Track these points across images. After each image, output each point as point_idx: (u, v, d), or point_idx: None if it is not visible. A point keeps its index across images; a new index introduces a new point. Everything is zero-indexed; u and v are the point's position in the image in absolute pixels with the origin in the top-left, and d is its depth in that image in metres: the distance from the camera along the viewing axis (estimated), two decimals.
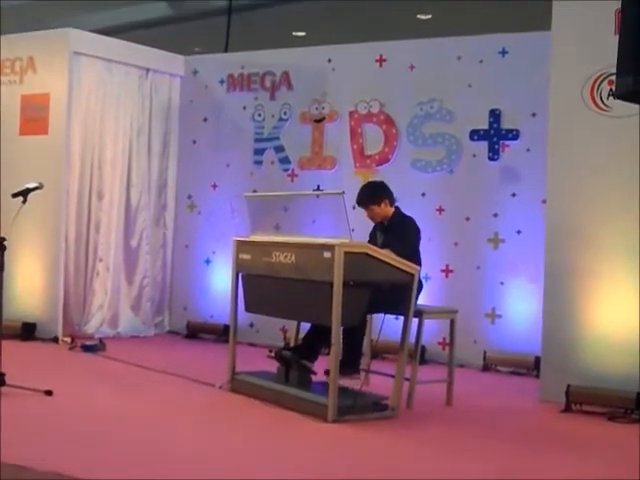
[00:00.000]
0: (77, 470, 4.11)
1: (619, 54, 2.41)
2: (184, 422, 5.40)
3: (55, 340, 8.37)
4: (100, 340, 8.23)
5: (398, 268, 5.61)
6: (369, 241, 6.22)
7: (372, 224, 6.47)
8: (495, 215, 8.06)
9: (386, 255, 5.57)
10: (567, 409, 6.09)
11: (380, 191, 6.40)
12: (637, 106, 5.85)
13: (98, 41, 9.13)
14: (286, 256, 5.82)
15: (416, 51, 8.53)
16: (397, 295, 5.73)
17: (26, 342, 8.29)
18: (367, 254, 5.49)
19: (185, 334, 9.44)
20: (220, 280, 9.00)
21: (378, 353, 7.69)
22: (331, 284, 5.38)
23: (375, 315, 6.40)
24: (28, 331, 8.45)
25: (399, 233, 6.15)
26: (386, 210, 6.31)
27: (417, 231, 6.25)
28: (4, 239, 5.83)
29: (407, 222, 6.29)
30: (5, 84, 8.91)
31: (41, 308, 8.59)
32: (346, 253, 5.38)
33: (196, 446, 4.79)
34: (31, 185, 6.06)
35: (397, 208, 6.41)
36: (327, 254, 5.43)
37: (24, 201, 6.02)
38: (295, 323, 6.77)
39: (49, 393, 5.79)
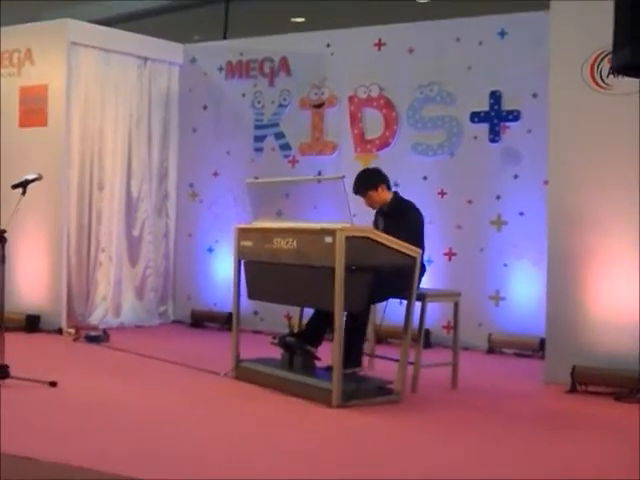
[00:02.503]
0: (82, 460, 4.10)
1: (615, 27, 2.37)
2: (189, 411, 5.39)
3: (59, 331, 8.37)
4: (104, 331, 8.22)
5: (400, 251, 5.58)
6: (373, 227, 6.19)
7: (373, 211, 6.44)
8: (497, 197, 8.03)
9: (388, 239, 5.54)
10: (573, 390, 6.07)
11: (375, 176, 6.38)
12: (638, 84, 5.83)
13: (95, 31, 9.10)
14: (287, 242, 5.80)
15: (415, 34, 8.48)
16: (400, 279, 5.71)
17: (30, 334, 8.28)
18: (369, 238, 5.47)
19: (189, 323, 9.43)
20: (223, 268, 8.98)
21: (383, 338, 7.69)
22: (333, 269, 5.36)
23: None
24: (32, 323, 8.45)
25: (400, 219, 6.11)
26: (384, 195, 6.28)
27: (419, 216, 6.22)
28: (4, 231, 5.82)
29: (407, 207, 6.26)
30: (4, 76, 8.87)
31: (45, 300, 8.59)
32: (347, 237, 5.36)
33: (201, 434, 4.79)
34: (30, 176, 6.05)
35: (396, 193, 6.39)
36: (328, 239, 5.41)
37: (23, 192, 6.02)
38: (299, 309, 6.77)
39: (53, 384, 5.78)
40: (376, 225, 6.28)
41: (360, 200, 6.42)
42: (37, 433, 4.67)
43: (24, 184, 6.01)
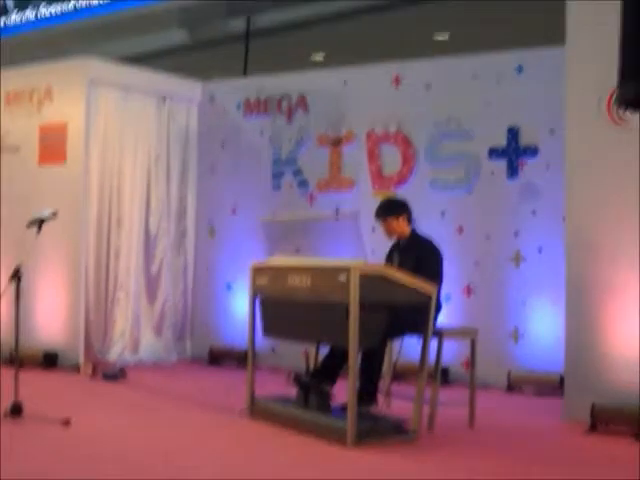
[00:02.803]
0: None
1: (620, 61, 2.34)
2: (203, 450, 5.34)
3: (77, 368, 8.35)
4: (121, 369, 8.19)
5: (415, 289, 5.54)
6: (386, 262, 6.15)
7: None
8: (516, 233, 7.97)
9: (403, 277, 5.50)
10: (593, 429, 5.97)
11: (400, 205, 6.38)
12: None
13: (115, 69, 9.19)
14: (302, 279, 5.77)
15: (432, 70, 8.49)
16: (415, 316, 5.65)
17: (48, 371, 8.27)
18: (383, 276, 5.43)
19: (207, 360, 9.39)
20: (242, 305, 8.92)
21: (400, 375, 7.60)
22: (347, 306, 5.32)
23: None
24: (50, 360, 8.45)
25: (418, 255, 6.07)
26: (403, 226, 6.25)
27: (438, 253, 6.18)
28: (20, 268, 5.83)
29: (426, 244, 6.22)
30: (24, 116, 8.95)
31: (63, 336, 8.60)
32: (362, 275, 5.32)
33: (216, 474, 4.73)
34: (45, 214, 6.05)
35: (414, 230, 6.35)
36: (342, 277, 5.38)
37: (39, 230, 6.02)
38: (315, 346, 6.72)
39: (67, 422, 5.75)
40: (390, 259, 6.23)
41: (379, 235, 6.40)
42: (48, 472, 4.62)
43: (39, 222, 6.02)
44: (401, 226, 6.26)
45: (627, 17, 2.36)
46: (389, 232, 6.31)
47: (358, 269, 5.32)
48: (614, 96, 2.27)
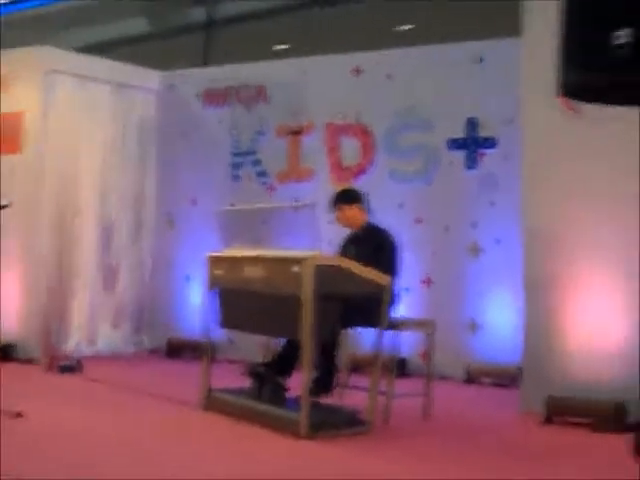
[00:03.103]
0: None
1: (560, 49, 2.32)
2: (156, 442, 5.28)
3: (32, 361, 8.24)
4: (78, 360, 8.09)
5: (370, 280, 5.50)
6: (340, 252, 6.12)
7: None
8: (474, 224, 7.97)
9: (357, 267, 5.46)
10: (548, 420, 5.97)
11: (354, 194, 6.39)
12: (611, 108, 5.78)
13: (72, 58, 9.09)
14: (257, 271, 5.72)
15: (392, 61, 8.47)
16: (370, 308, 5.62)
17: (4, 363, 8.14)
18: (337, 266, 5.39)
19: (166, 352, 9.32)
20: (200, 297, 8.88)
21: (359, 367, 7.58)
22: (301, 298, 5.27)
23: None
24: (7, 352, 8.32)
25: (374, 246, 6.04)
26: (356, 215, 6.24)
27: (393, 243, 6.15)
28: None
29: (381, 235, 6.19)
30: None
31: (19, 328, 8.48)
32: (316, 267, 5.27)
33: (167, 466, 4.68)
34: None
35: (370, 221, 6.32)
36: (296, 268, 5.33)
37: None
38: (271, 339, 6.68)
39: (19, 415, 5.66)
40: (345, 250, 6.20)
41: (338, 227, 6.37)
42: None
43: None
44: (355, 215, 6.24)
45: (567, 5, 2.33)
46: (343, 221, 6.29)
47: (312, 260, 5.27)
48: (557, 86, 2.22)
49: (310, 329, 5.27)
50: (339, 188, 6.53)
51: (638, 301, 5.84)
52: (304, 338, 5.30)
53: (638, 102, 2.32)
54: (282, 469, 4.74)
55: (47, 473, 4.46)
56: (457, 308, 8.02)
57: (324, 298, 5.33)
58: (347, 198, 6.29)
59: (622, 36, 2.03)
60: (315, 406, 5.51)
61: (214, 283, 6.31)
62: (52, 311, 8.75)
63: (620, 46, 2.01)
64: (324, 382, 5.93)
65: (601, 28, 2.10)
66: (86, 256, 8.99)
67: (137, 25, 13.17)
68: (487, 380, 7.76)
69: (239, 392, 6.19)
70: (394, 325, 5.91)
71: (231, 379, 6.51)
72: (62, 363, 7.97)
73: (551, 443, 5.50)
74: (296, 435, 5.32)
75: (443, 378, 7.76)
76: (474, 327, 7.96)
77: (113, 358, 8.96)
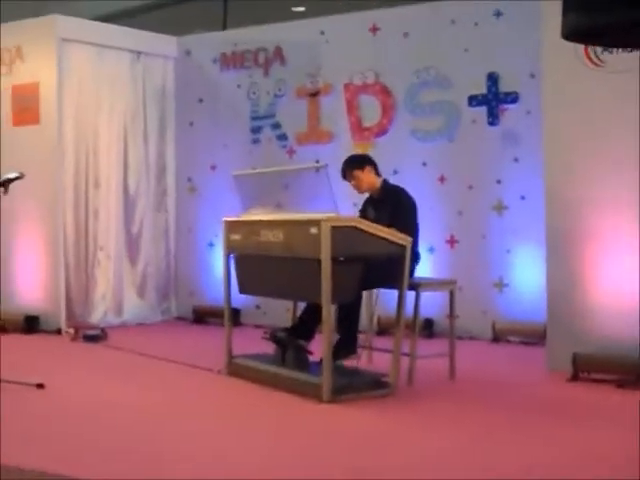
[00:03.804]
0: (64, 467, 3.95)
1: None
2: (180, 409, 5.26)
3: (59, 332, 8.26)
4: (102, 329, 8.11)
5: (389, 240, 5.41)
6: (360, 216, 6.02)
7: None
8: (498, 182, 7.85)
9: (375, 227, 5.38)
10: (574, 378, 5.89)
11: (362, 158, 6.31)
12: (633, 60, 5.63)
13: (86, 26, 8.98)
14: (274, 234, 5.65)
15: (409, 18, 8.30)
16: (390, 268, 5.54)
17: (29, 335, 8.18)
18: (355, 227, 5.31)
19: (192, 319, 9.31)
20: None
21: (384, 329, 7.54)
22: (320, 260, 5.20)
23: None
24: (31, 324, 8.35)
25: (392, 207, 5.95)
26: (371, 178, 6.12)
27: (411, 202, 6.04)
28: None
29: (399, 194, 6.08)
30: None
31: (43, 300, 8.48)
32: (333, 228, 5.20)
33: (191, 433, 4.64)
34: (11, 175, 5.90)
35: (385, 180, 6.22)
36: (314, 230, 5.25)
37: (5, 192, 5.88)
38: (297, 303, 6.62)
39: (41, 386, 5.66)
40: (365, 215, 6.10)
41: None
42: (18, 438, 4.53)
43: (5, 183, 5.87)
44: (368, 177, 6.13)
45: None
46: (359, 186, 6.18)
47: (329, 221, 5.19)
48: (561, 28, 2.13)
49: (330, 292, 5.20)
50: (348, 156, 6.41)
51: None
52: (324, 301, 5.24)
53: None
54: (305, 433, 4.71)
55: (66, 444, 4.45)
56: (482, 267, 7.91)
57: (343, 260, 5.26)
58: (355, 163, 6.17)
59: None
60: (338, 369, 5.46)
61: (232, 248, 6.25)
62: (76, 283, 8.75)
63: None
64: (346, 345, 5.86)
65: None
66: (109, 226, 8.97)
67: None
68: (514, 339, 7.67)
69: (262, 357, 6.16)
70: (416, 285, 5.84)
71: (258, 344, 6.46)
72: (87, 333, 7.98)
73: (577, 401, 5.42)
74: (319, 399, 5.28)
75: (471, 338, 7.72)
76: (500, 286, 7.86)
77: (140, 327, 8.98)
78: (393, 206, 5.95)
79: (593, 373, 5.88)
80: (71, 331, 8.20)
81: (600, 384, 5.75)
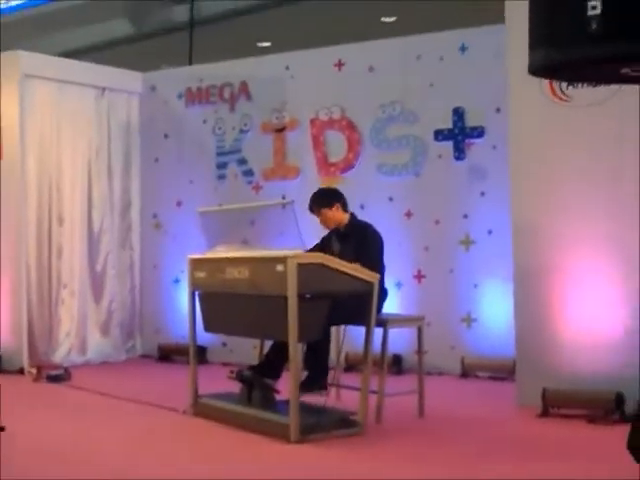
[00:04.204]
0: None
1: (530, 28, 2.19)
2: (144, 450, 5.17)
3: (21, 371, 8.10)
4: (65, 369, 7.95)
5: (356, 277, 5.36)
6: (321, 248, 5.96)
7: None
8: (465, 216, 7.82)
9: (343, 264, 5.32)
10: (544, 413, 5.85)
11: (331, 195, 6.21)
12: (598, 94, 5.65)
13: (50, 62, 8.91)
14: (240, 271, 5.58)
15: (375, 53, 8.30)
16: (358, 305, 5.48)
17: None
18: (322, 264, 5.25)
19: (157, 357, 9.18)
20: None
21: (352, 366, 7.46)
22: (286, 298, 5.13)
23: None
24: None
25: (358, 242, 5.90)
26: (338, 214, 6.07)
27: (378, 238, 6.00)
28: None
29: (366, 229, 6.03)
30: None
31: (6, 339, 8.31)
32: (299, 265, 5.13)
33: (155, 473, 4.54)
34: None
35: (353, 215, 6.17)
36: (280, 267, 5.19)
37: None
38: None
39: (1, 429, 5.51)
40: (329, 247, 6.03)
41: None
42: None
43: None
44: (337, 215, 6.07)
45: None
46: (326, 223, 6.12)
47: (295, 258, 5.13)
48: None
49: (296, 329, 5.13)
50: (319, 188, 6.37)
51: (636, 288, 5.72)
52: (291, 339, 5.16)
53: (606, 80, 2.19)
54: (272, 475, 4.61)
55: None
56: (450, 302, 7.87)
57: (310, 297, 5.20)
58: (325, 200, 6.10)
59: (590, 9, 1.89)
60: (305, 408, 5.38)
61: (197, 286, 6.17)
62: (40, 321, 8.60)
63: (586, 21, 1.88)
64: (316, 380, 5.79)
65: (563, 9, 1.97)
66: (73, 263, 8.83)
67: (119, 27, 13.02)
68: (483, 374, 7.61)
69: (228, 397, 6.06)
70: (384, 322, 5.78)
71: (225, 383, 6.35)
72: (50, 373, 7.83)
73: (547, 436, 5.37)
74: (287, 439, 5.19)
75: (440, 373, 7.66)
76: (468, 321, 7.82)
77: (104, 366, 8.83)
78: (359, 241, 5.89)
79: (563, 408, 5.84)
80: (33, 371, 8.04)
81: (570, 419, 5.71)
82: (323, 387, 5.83)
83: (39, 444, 5.32)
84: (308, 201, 6.16)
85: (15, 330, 8.29)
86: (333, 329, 6.00)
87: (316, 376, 5.84)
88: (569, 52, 2.01)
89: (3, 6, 13.20)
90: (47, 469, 4.73)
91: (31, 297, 8.51)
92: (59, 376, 7.74)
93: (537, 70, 2.18)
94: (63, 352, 8.66)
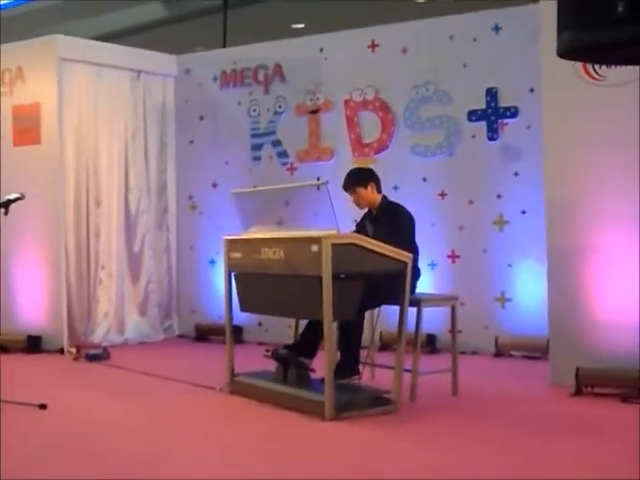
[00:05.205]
0: None
1: (558, 12, 2.22)
2: (181, 428, 5.24)
3: (61, 351, 8.25)
4: (104, 349, 8.10)
5: (390, 257, 5.41)
6: (357, 231, 6.02)
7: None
8: (499, 196, 7.85)
9: (376, 244, 5.37)
10: (577, 392, 5.88)
11: (367, 174, 6.25)
12: (631, 73, 5.64)
13: (86, 46, 9.00)
14: (275, 252, 5.65)
15: (408, 33, 8.33)
16: (391, 285, 5.54)
17: (32, 355, 8.17)
18: (356, 245, 5.30)
19: (194, 337, 9.30)
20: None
21: (387, 345, 7.52)
22: (321, 278, 5.20)
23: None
24: (34, 344, 8.33)
25: (391, 223, 5.94)
26: (373, 195, 6.12)
27: (410, 219, 6.04)
28: None
29: (398, 210, 6.08)
30: None
31: (46, 320, 8.48)
32: (334, 245, 5.20)
33: (194, 452, 4.64)
34: (12, 196, 5.91)
35: (384, 197, 6.21)
36: (314, 247, 5.25)
37: (6, 212, 5.89)
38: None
39: (43, 407, 5.65)
40: (363, 230, 6.10)
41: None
42: (19, 457, 4.53)
43: (6, 204, 5.88)
44: (371, 195, 6.12)
45: None
46: (360, 202, 6.18)
47: (329, 239, 5.19)
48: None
49: (331, 309, 5.20)
50: (354, 167, 6.43)
51: None
52: (325, 318, 5.23)
53: (634, 61, 2.23)
54: (307, 451, 4.69)
55: (68, 464, 4.44)
56: (484, 282, 7.91)
57: (344, 277, 5.26)
58: (361, 179, 6.15)
59: None
60: (340, 387, 5.44)
61: (233, 266, 6.26)
62: (78, 302, 8.74)
63: (613, 4, 1.92)
64: (348, 365, 5.88)
65: None
66: (110, 245, 8.95)
67: (153, 10, 13.09)
68: (517, 353, 7.65)
69: (264, 375, 6.14)
70: (417, 302, 5.83)
71: (260, 362, 6.45)
72: (89, 352, 7.97)
73: (580, 415, 5.40)
74: (321, 417, 5.26)
75: (474, 353, 7.70)
76: (502, 300, 7.86)
77: (142, 346, 8.96)
78: (392, 223, 5.94)
79: (596, 387, 5.87)
80: (73, 350, 8.21)
81: (603, 398, 5.74)
82: (355, 373, 5.91)
83: (79, 421, 5.43)
84: (343, 180, 6.21)
85: (55, 311, 8.44)
86: None
87: (349, 361, 5.93)
88: (595, 35, 2.04)
89: None
90: (87, 446, 4.84)
91: (70, 279, 8.65)
92: (98, 355, 7.88)
93: (564, 52, 2.21)
94: (102, 332, 8.80)
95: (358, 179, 6.15)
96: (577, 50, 2.17)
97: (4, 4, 13.11)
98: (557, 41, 2.23)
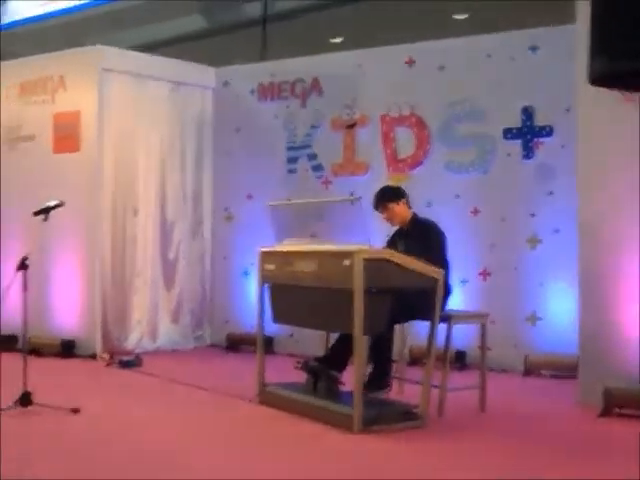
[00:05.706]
0: None
1: (590, 39, 2.27)
2: (210, 438, 5.31)
3: (94, 357, 8.37)
4: (137, 356, 8.20)
5: (421, 273, 5.46)
6: (388, 247, 6.07)
7: None
8: (532, 215, 7.87)
9: (408, 260, 5.43)
10: (605, 412, 5.87)
11: (397, 191, 6.35)
12: None
13: (127, 57, 9.16)
14: (308, 265, 5.73)
15: (445, 51, 8.39)
16: (422, 301, 5.58)
17: (65, 359, 8.29)
18: (388, 260, 5.36)
19: (225, 346, 9.38)
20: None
21: (417, 360, 7.55)
22: (352, 292, 5.26)
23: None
24: (67, 348, 8.47)
25: (422, 239, 6.00)
26: (404, 211, 6.20)
27: (441, 235, 6.10)
28: (26, 258, 5.82)
29: (429, 226, 6.14)
30: (38, 103, 8.96)
31: (80, 325, 8.62)
32: (366, 260, 5.26)
33: (221, 460, 4.72)
34: (52, 203, 6.04)
35: (415, 214, 6.28)
36: (346, 262, 5.32)
37: (45, 219, 6.01)
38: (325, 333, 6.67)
39: (76, 411, 5.75)
40: (394, 246, 6.15)
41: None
42: (52, 460, 4.62)
43: (46, 211, 6.00)
44: (403, 211, 6.20)
45: None
46: (392, 218, 6.25)
47: (362, 253, 5.26)
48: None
49: (361, 323, 5.26)
50: (382, 186, 6.50)
51: None
52: (356, 332, 5.29)
53: None
54: (333, 464, 4.74)
55: (100, 468, 4.52)
56: (515, 300, 7.92)
57: (375, 291, 5.32)
58: (392, 196, 6.24)
59: None
60: (369, 400, 5.50)
61: (266, 278, 6.33)
62: (113, 308, 8.86)
63: None
64: (379, 378, 5.93)
65: (626, 18, 2.05)
66: (146, 253, 9.08)
67: (193, 23, 13.25)
68: (546, 372, 7.65)
69: (294, 386, 6.20)
70: (448, 318, 5.87)
71: (290, 373, 6.51)
72: (122, 359, 8.08)
73: (606, 435, 5.41)
74: (350, 429, 5.31)
75: (503, 371, 7.70)
76: (533, 319, 7.86)
77: (174, 353, 9.06)
78: (423, 240, 5.99)
79: (624, 408, 5.87)
80: (106, 356, 8.32)
81: (631, 419, 5.74)
82: (385, 386, 5.97)
83: (111, 426, 5.52)
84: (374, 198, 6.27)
85: (89, 316, 8.59)
86: None
87: (380, 374, 5.99)
88: (628, 63, 2.09)
89: (80, 2, 13.52)
90: (118, 452, 4.92)
91: (105, 285, 8.78)
92: (130, 362, 7.98)
93: (595, 80, 2.26)
94: (135, 339, 8.92)
95: (390, 195, 6.23)
96: (610, 77, 2.22)
97: (47, 13, 13.34)
98: (589, 68, 2.28)
